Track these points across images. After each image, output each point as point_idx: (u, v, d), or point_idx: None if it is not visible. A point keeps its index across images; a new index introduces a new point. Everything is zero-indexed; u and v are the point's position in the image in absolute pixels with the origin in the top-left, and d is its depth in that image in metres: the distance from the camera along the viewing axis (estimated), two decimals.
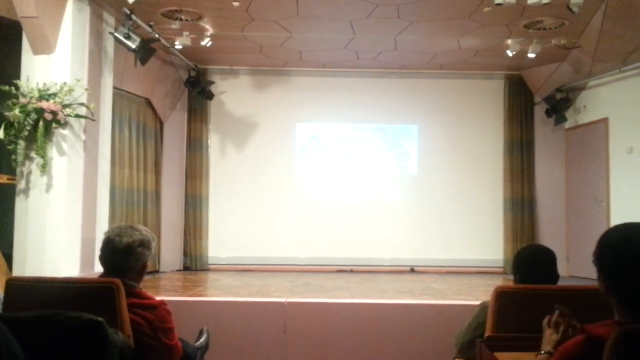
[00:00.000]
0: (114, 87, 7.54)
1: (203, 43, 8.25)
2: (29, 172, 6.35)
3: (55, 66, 6.47)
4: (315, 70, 9.97)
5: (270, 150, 9.99)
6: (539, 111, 9.95)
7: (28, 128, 6.18)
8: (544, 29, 7.80)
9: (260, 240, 9.80)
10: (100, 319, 2.32)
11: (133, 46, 7.00)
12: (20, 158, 6.25)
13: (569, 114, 9.67)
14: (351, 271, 9.57)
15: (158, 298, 3.03)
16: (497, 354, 2.46)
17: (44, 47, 6.44)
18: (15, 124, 6.16)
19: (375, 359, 5.29)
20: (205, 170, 9.90)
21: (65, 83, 6.36)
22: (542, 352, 2.13)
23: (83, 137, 6.65)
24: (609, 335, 1.58)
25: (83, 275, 6.40)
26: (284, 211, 9.96)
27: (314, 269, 9.52)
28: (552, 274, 3.04)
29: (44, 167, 6.24)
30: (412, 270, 9.76)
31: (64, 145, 6.42)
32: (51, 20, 6.39)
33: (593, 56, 8.33)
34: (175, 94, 9.65)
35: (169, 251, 9.42)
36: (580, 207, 9.52)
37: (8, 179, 6.41)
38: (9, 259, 6.28)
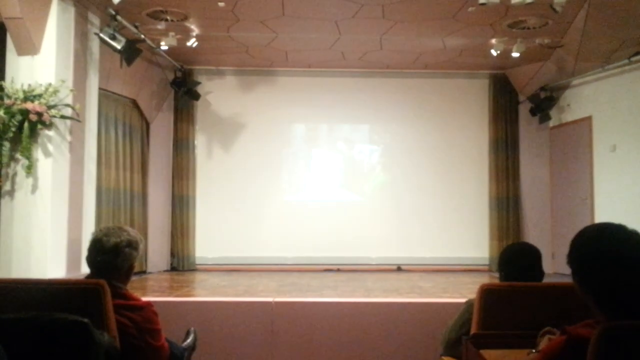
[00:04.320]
0: (100, 88, 7.50)
1: (189, 44, 8.23)
2: (15, 174, 6.31)
3: (40, 67, 6.42)
4: (302, 70, 9.96)
5: (256, 150, 9.97)
6: (524, 110, 10.02)
7: (13, 129, 6.15)
8: (528, 28, 7.84)
9: (247, 240, 9.78)
10: (85, 320, 2.33)
11: (118, 47, 6.96)
12: (5, 159, 6.21)
13: (553, 112, 9.74)
14: (338, 270, 9.58)
15: (145, 299, 3.02)
16: (482, 351, 2.47)
17: (28, 48, 6.40)
18: (0, 125, 6.13)
19: (362, 357, 5.28)
20: (192, 170, 9.87)
21: (50, 84, 6.33)
22: (534, 351, 2.17)
23: (69, 138, 6.61)
24: (590, 335, 1.60)
25: (69, 276, 6.36)
26: (271, 211, 9.95)
27: (301, 269, 9.51)
28: (538, 272, 3.08)
29: (30, 169, 6.20)
30: (399, 269, 9.79)
31: (50, 147, 6.38)
32: (36, 21, 6.34)
33: (576, 55, 8.38)
34: (161, 95, 9.61)
35: (156, 252, 9.37)
36: (565, 205, 9.59)
37: None
38: None
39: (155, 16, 7.55)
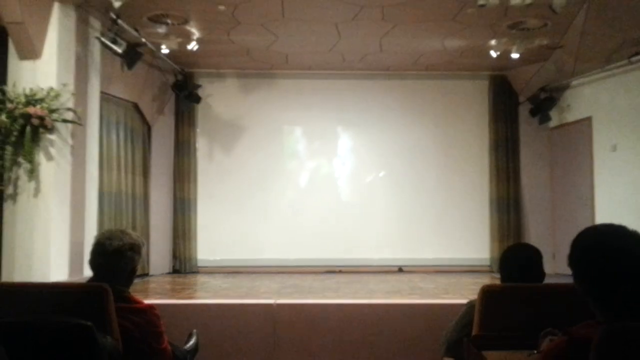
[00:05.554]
0: (101, 92, 7.50)
1: (189, 47, 8.23)
2: (17, 178, 6.30)
3: (41, 71, 6.43)
4: (302, 72, 9.98)
5: (257, 152, 9.99)
6: (524, 111, 10.03)
7: (15, 134, 6.16)
8: (527, 29, 7.84)
9: (249, 242, 9.79)
10: (88, 323, 2.35)
11: (119, 50, 7.01)
12: (7, 164, 6.20)
13: (553, 113, 9.74)
14: (339, 272, 9.57)
15: (147, 301, 3.03)
16: (484, 353, 2.47)
17: (30, 52, 6.41)
18: (2, 129, 6.15)
19: (364, 359, 5.29)
20: (194, 173, 9.89)
21: (52, 88, 6.33)
22: (535, 352, 2.17)
23: (70, 141, 6.60)
24: (591, 337, 1.59)
25: (72, 280, 6.34)
26: (272, 213, 9.96)
27: (303, 270, 9.48)
28: (538, 273, 3.07)
29: (32, 173, 6.20)
30: (400, 270, 9.78)
31: (52, 151, 6.38)
32: (37, 25, 6.35)
33: (576, 56, 8.38)
34: (162, 98, 9.62)
35: (158, 254, 9.38)
36: (565, 205, 9.60)
37: None
38: None
39: (156, 20, 7.57)
